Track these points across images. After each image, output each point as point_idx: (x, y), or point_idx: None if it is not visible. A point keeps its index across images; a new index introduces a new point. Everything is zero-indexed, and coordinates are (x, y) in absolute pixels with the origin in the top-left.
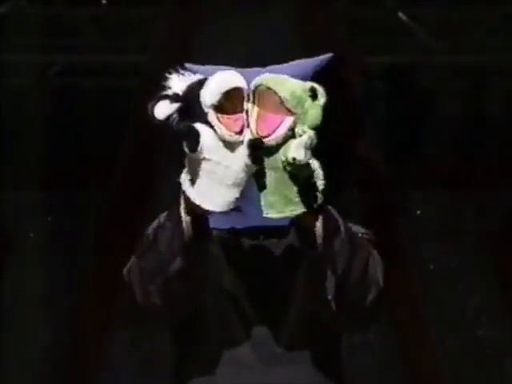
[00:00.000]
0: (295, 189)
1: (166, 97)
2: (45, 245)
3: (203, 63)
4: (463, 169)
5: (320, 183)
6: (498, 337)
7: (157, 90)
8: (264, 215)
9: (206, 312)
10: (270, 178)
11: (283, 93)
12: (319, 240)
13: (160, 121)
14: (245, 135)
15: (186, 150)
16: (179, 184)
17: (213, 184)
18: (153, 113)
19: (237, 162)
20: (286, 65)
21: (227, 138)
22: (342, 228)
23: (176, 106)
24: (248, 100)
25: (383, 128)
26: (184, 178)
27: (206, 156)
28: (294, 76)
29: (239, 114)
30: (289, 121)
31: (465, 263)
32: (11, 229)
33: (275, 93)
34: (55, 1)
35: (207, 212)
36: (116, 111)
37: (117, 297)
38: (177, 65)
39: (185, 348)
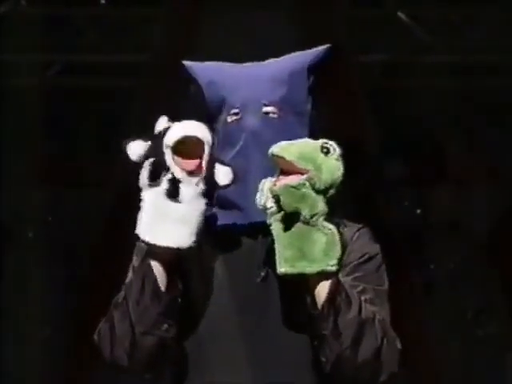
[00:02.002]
0: (315, 248)
1: (143, 137)
2: (45, 245)
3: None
4: (463, 168)
5: (337, 248)
6: (498, 337)
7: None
8: (279, 270)
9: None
10: (288, 231)
11: (292, 156)
12: (321, 307)
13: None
14: (198, 181)
15: (145, 181)
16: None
17: (161, 220)
18: (125, 151)
19: (186, 199)
20: (283, 57)
21: (178, 175)
22: (355, 306)
23: (148, 144)
24: (208, 152)
25: (383, 128)
26: (140, 215)
27: (158, 192)
28: (291, 67)
29: (194, 160)
30: (303, 177)
31: (465, 263)
32: (11, 229)
33: (285, 159)
34: (55, 1)
35: (161, 250)
36: (116, 111)
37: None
38: (176, 64)
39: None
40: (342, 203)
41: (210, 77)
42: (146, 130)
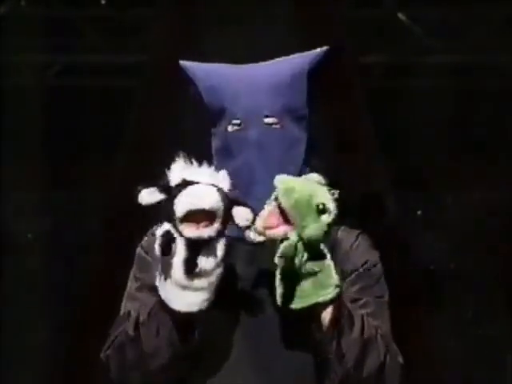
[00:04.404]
0: (305, 283)
1: (158, 185)
2: (44, 245)
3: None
4: (463, 169)
5: (334, 278)
6: (498, 337)
7: (157, 90)
8: (280, 305)
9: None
10: (285, 272)
11: (287, 204)
12: (325, 331)
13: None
14: (209, 233)
15: (159, 253)
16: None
17: (179, 289)
18: (137, 195)
19: (204, 270)
20: (282, 59)
21: (188, 234)
22: (358, 326)
23: (160, 198)
24: (220, 218)
25: (383, 128)
26: (158, 279)
27: (175, 264)
28: (291, 73)
29: (202, 223)
30: (288, 228)
31: (465, 263)
32: (11, 229)
33: (280, 202)
34: (55, 1)
35: (180, 313)
36: (116, 111)
37: (116, 296)
38: (176, 65)
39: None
40: (342, 203)
41: (209, 81)
42: (146, 130)
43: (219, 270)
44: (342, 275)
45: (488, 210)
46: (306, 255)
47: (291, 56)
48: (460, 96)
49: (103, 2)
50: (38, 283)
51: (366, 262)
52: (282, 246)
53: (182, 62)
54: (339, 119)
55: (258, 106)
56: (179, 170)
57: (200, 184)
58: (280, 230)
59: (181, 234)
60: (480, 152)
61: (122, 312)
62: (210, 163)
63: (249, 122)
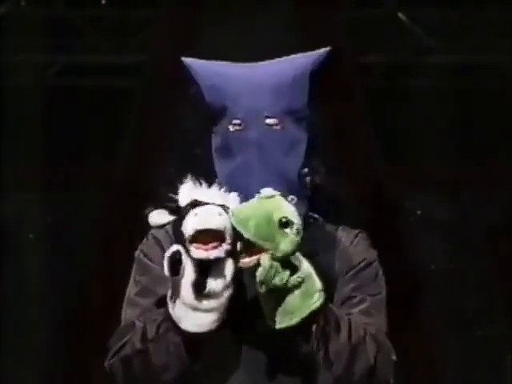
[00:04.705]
0: (292, 301)
1: (167, 207)
2: (45, 245)
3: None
4: (463, 169)
5: (318, 282)
6: (498, 337)
7: (157, 90)
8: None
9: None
10: (268, 294)
11: (248, 234)
12: (313, 341)
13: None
14: (217, 255)
15: (168, 273)
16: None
17: (185, 307)
18: (147, 216)
19: (214, 292)
20: (284, 59)
21: (196, 255)
22: (345, 331)
23: (169, 219)
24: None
25: (383, 128)
26: (168, 297)
27: (185, 285)
28: (293, 74)
29: (211, 244)
30: (263, 256)
31: (465, 263)
32: (11, 229)
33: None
34: (55, 1)
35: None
36: (116, 111)
37: (116, 296)
38: (176, 65)
39: None
40: (342, 203)
41: (211, 80)
42: (146, 130)
43: (229, 292)
44: (340, 273)
45: (488, 210)
46: (287, 272)
47: (294, 56)
48: (460, 96)
49: (103, 1)
50: (37, 283)
51: (363, 261)
52: (259, 274)
53: (185, 59)
54: (339, 119)
55: (259, 106)
56: (188, 190)
57: (209, 204)
58: (253, 259)
59: (190, 255)
60: (480, 152)
61: (122, 318)
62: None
63: (249, 122)
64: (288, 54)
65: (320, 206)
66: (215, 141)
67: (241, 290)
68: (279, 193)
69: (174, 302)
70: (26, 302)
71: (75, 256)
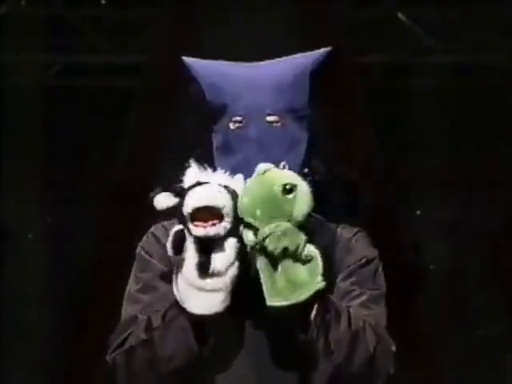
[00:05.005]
0: (301, 275)
1: (172, 189)
2: (44, 245)
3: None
4: (463, 169)
5: (320, 265)
6: (498, 337)
7: (157, 90)
8: (269, 303)
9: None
10: (274, 266)
11: (261, 225)
12: (313, 329)
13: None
14: (216, 231)
15: (171, 253)
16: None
17: (191, 287)
18: (152, 200)
19: (218, 270)
20: (284, 59)
21: (196, 233)
22: (344, 320)
23: (174, 201)
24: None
25: (383, 128)
26: (174, 281)
27: (188, 266)
28: (293, 73)
29: (210, 222)
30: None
31: (465, 263)
32: (11, 228)
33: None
34: (55, 1)
35: (197, 316)
36: (116, 111)
37: (117, 296)
38: (176, 65)
39: None
40: (343, 204)
41: (211, 78)
42: (146, 130)
43: (232, 271)
44: (339, 270)
45: (488, 210)
46: (304, 237)
47: (294, 56)
48: (460, 96)
49: (103, 1)
50: (37, 283)
51: (362, 258)
52: (272, 236)
53: (185, 59)
54: (339, 119)
55: (260, 104)
56: (194, 174)
57: (209, 184)
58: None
59: (191, 234)
60: (480, 152)
61: (123, 315)
62: (211, 161)
63: (250, 119)
64: (288, 53)
65: (320, 204)
66: (216, 139)
67: (245, 273)
68: (273, 165)
69: (179, 284)
70: (25, 302)
71: (75, 256)
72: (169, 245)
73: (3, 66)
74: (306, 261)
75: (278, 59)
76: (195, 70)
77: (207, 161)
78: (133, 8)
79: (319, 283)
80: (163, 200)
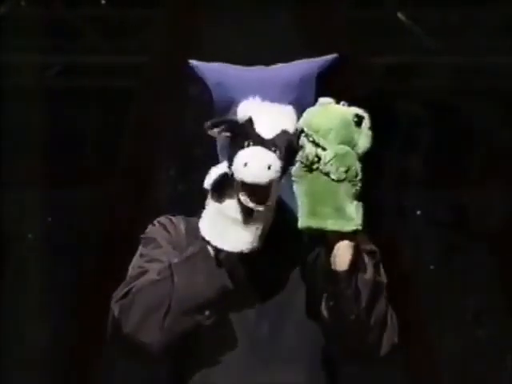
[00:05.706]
0: (351, 207)
1: (225, 121)
2: (44, 245)
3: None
4: (463, 169)
5: (362, 214)
6: (498, 337)
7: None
8: (303, 225)
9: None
10: (320, 184)
11: (330, 146)
12: (342, 274)
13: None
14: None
15: (209, 186)
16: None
17: (227, 222)
18: (206, 128)
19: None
20: (290, 64)
21: (244, 202)
22: (370, 269)
23: (225, 135)
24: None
25: (383, 128)
26: (203, 216)
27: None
28: (300, 75)
29: (257, 197)
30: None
31: (465, 263)
32: (11, 229)
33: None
34: (55, 1)
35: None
36: (116, 111)
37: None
38: (176, 65)
39: (183, 348)
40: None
41: (218, 78)
42: (146, 130)
43: (270, 214)
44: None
45: (488, 210)
46: (359, 168)
47: (300, 61)
48: (460, 96)
49: (103, 1)
50: (38, 283)
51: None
52: (338, 156)
53: (192, 62)
54: None
55: (267, 101)
56: (247, 105)
57: (261, 150)
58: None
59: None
60: (480, 152)
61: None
62: (215, 160)
63: None
64: (288, 53)
65: None
66: (221, 141)
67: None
68: (333, 100)
69: (211, 219)
70: (25, 302)
71: (75, 256)
72: (209, 181)
73: (3, 66)
74: (358, 194)
75: (284, 64)
76: (201, 71)
77: (208, 161)
78: (133, 8)
79: (361, 225)
80: (215, 131)
